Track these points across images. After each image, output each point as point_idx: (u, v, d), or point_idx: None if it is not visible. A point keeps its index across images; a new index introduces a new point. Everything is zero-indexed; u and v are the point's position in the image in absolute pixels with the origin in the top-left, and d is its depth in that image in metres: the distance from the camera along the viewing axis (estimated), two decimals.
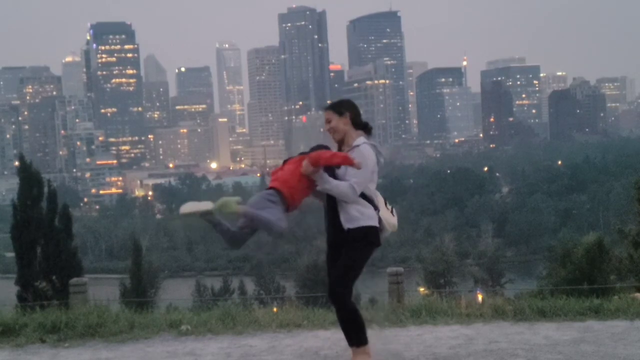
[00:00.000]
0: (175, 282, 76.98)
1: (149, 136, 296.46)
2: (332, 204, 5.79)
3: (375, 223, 5.77)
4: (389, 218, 5.93)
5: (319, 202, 5.97)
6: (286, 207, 5.70)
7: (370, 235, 5.75)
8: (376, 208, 5.81)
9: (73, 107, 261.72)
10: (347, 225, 5.70)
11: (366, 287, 67.86)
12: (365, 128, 5.93)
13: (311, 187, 5.77)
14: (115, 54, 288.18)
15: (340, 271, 5.74)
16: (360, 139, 5.82)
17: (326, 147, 5.93)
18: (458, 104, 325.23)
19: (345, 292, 5.75)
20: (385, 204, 5.97)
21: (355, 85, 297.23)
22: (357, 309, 5.86)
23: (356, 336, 5.85)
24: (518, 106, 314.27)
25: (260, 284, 70.04)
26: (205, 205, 5.69)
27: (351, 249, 5.72)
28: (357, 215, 5.69)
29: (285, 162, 5.96)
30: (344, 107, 5.92)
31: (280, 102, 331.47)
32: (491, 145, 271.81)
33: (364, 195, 5.74)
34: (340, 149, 5.96)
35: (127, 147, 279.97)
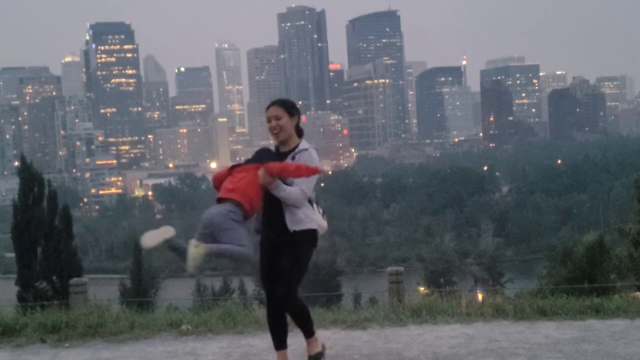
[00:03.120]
0: (175, 282, 76.78)
1: (149, 136, 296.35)
2: (274, 205, 5.72)
3: (317, 226, 5.85)
4: (321, 221, 5.94)
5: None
6: (245, 217, 5.66)
7: (313, 238, 5.83)
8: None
9: (73, 107, 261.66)
10: (292, 227, 5.69)
11: (367, 287, 67.97)
12: (301, 133, 5.96)
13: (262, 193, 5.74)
14: (115, 54, 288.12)
15: (286, 274, 5.76)
16: (305, 143, 5.87)
17: (270, 152, 5.89)
18: (458, 103, 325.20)
19: (293, 294, 5.82)
20: (317, 206, 5.97)
21: (355, 84, 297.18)
22: (305, 304, 5.97)
23: (306, 330, 6.03)
24: (518, 105, 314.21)
25: (260, 284, 69.99)
26: (167, 232, 5.57)
27: (296, 251, 5.74)
28: (303, 218, 5.72)
29: (233, 167, 5.83)
30: (295, 109, 5.90)
31: None
32: (491, 145, 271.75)
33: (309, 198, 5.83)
34: (277, 149, 5.93)
35: (126, 147, 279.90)
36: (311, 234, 5.78)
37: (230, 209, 5.53)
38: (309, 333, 6.04)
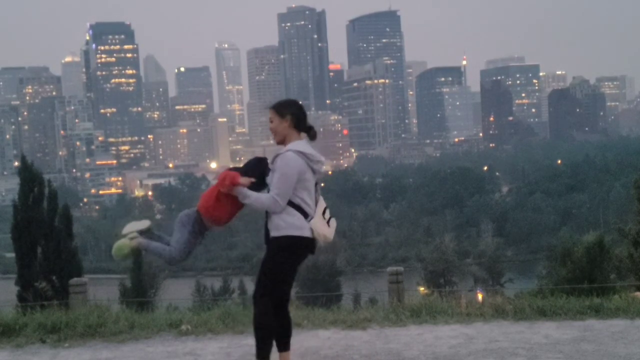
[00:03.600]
0: (175, 282, 76.84)
1: (149, 136, 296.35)
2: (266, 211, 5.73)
3: (301, 232, 5.56)
4: (320, 228, 5.62)
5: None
6: (212, 224, 5.87)
7: (293, 245, 5.58)
8: (307, 216, 5.61)
9: (72, 108, 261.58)
10: (272, 233, 5.61)
11: (366, 287, 67.98)
12: (308, 132, 5.77)
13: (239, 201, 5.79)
14: (115, 54, 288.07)
15: (259, 279, 5.69)
16: (293, 145, 5.65)
17: (262, 160, 5.87)
18: (458, 103, 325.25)
19: (262, 301, 5.63)
20: (324, 213, 5.71)
21: (355, 84, 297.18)
22: (269, 324, 5.65)
23: (257, 348, 5.70)
24: (518, 105, 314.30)
25: None
26: (142, 224, 6.20)
27: (272, 257, 5.62)
28: (281, 224, 5.56)
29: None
30: (286, 109, 5.74)
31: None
32: (491, 145, 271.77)
33: (292, 204, 5.57)
34: None
35: (126, 147, 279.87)
36: (289, 241, 5.57)
37: (187, 213, 5.97)
38: (258, 354, 5.68)
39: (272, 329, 5.70)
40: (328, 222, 5.72)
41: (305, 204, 5.62)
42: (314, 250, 5.74)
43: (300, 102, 5.96)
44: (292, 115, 5.71)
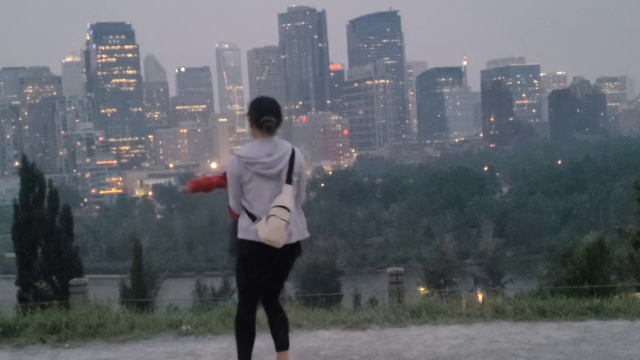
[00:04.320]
0: (175, 282, 76.81)
1: (149, 136, 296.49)
2: None
3: (245, 235, 5.47)
4: (261, 231, 5.37)
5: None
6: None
7: (241, 247, 5.55)
8: (255, 219, 5.47)
9: (73, 108, 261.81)
10: None
11: (366, 287, 67.96)
12: (261, 127, 5.58)
13: None
14: (115, 54, 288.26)
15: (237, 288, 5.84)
16: (240, 147, 5.72)
17: None
18: (458, 103, 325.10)
19: (239, 312, 5.70)
20: (268, 216, 5.39)
21: (355, 85, 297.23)
22: (245, 330, 5.67)
23: (237, 351, 5.71)
24: (518, 106, 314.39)
25: None
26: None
27: (235, 262, 5.69)
28: (238, 227, 5.61)
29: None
30: (247, 111, 5.76)
31: (280, 102, 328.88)
32: (491, 145, 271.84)
33: (243, 206, 5.57)
34: None
35: (127, 147, 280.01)
36: (239, 244, 5.57)
37: None
38: (238, 356, 5.72)
39: (249, 335, 5.69)
40: (266, 221, 5.41)
41: (251, 205, 5.53)
42: (294, 251, 5.63)
43: (260, 100, 5.77)
44: (249, 116, 5.70)
